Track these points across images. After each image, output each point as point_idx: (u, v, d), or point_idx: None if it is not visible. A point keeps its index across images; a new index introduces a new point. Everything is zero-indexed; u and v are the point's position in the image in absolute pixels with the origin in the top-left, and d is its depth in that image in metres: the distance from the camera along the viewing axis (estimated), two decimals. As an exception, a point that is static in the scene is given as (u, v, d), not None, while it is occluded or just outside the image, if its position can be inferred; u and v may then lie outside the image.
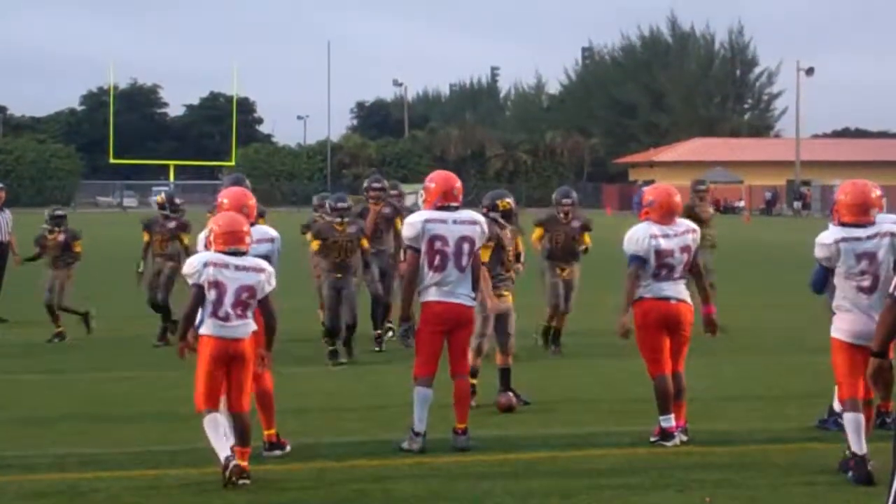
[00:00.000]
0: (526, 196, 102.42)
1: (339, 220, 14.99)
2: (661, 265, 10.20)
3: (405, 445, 9.93)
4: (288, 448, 9.77)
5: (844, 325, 9.09)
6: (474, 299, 10.22)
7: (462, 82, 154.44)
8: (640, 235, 10.24)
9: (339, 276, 14.92)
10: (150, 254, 17.07)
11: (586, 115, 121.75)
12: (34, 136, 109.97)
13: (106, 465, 9.23)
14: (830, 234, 9.18)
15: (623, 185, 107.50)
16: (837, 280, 9.16)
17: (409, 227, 10.12)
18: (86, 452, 9.83)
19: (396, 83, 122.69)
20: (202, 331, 8.89)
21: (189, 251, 15.47)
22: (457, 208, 10.17)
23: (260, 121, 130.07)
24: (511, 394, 11.77)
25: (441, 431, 10.09)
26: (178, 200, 17.63)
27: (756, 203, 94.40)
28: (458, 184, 10.29)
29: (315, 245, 15.16)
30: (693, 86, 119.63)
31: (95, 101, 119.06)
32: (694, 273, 10.45)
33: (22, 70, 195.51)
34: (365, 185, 16.74)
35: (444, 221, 10.06)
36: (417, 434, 9.93)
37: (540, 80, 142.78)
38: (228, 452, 8.74)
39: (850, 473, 8.87)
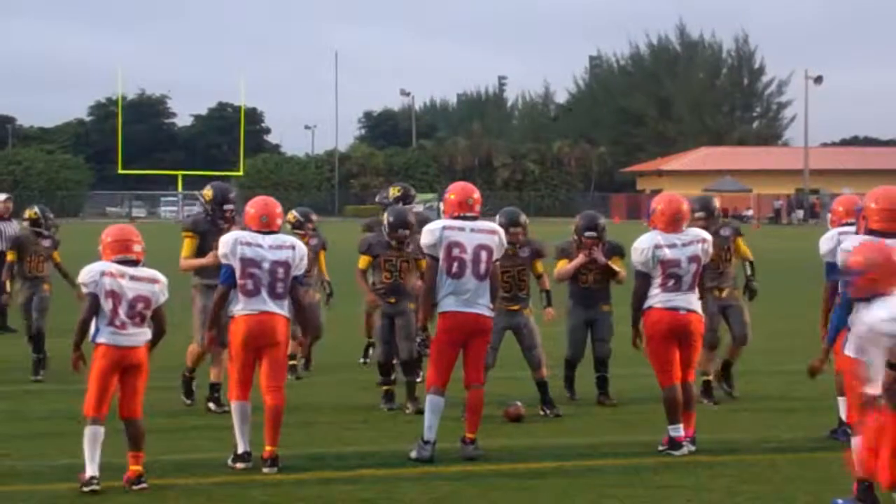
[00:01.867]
0: (534, 205, 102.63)
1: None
2: (667, 275, 10.23)
3: (414, 454, 9.95)
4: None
5: None
6: (492, 310, 10.23)
7: (469, 92, 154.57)
8: (644, 246, 10.27)
9: (393, 300, 12.38)
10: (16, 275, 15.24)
11: (594, 125, 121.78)
12: (43, 146, 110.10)
13: (115, 474, 9.25)
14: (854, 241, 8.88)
15: (631, 194, 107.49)
16: None
17: (428, 234, 10.15)
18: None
19: (404, 93, 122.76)
20: (99, 339, 9.04)
21: (62, 270, 15.33)
22: (474, 218, 10.22)
23: (268, 131, 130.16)
24: (520, 404, 11.78)
25: (448, 441, 10.12)
26: (50, 215, 15.71)
27: (764, 212, 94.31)
28: (476, 194, 10.36)
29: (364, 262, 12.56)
30: (701, 95, 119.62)
31: (104, 111, 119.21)
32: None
33: (30, 81, 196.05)
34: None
35: (461, 229, 10.10)
36: (427, 442, 9.95)
37: (547, 90, 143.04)
38: (96, 472, 8.89)
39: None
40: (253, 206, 9.97)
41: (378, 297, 12.32)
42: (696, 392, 12.61)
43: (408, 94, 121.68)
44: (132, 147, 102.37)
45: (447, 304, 10.04)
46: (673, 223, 10.33)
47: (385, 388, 12.41)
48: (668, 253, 10.21)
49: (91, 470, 8.88)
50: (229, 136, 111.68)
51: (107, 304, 8.97)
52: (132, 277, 9.08)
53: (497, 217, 12.23)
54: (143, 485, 8.95)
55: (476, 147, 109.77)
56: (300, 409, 11.91)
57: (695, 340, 10.34)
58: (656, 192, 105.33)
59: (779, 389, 13.38)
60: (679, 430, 10.25)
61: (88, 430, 8.98)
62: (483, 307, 10.09)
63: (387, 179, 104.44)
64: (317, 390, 13.24)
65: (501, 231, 10.35)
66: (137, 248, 9.24)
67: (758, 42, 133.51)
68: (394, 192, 14.19)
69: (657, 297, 10.24)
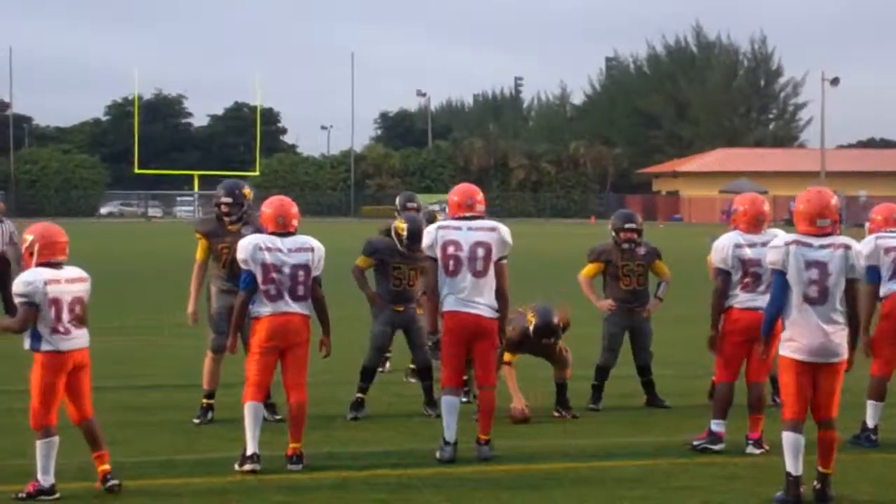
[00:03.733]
0: (550, 206, 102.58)
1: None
2: (747, 274, 10.29)
3: (437, 455, 10.00)
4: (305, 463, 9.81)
5: None
6: (496, 310, 10.18)
7: (485, 92, 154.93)
8: (724, 244, 10.36)
9: (401, 308, 12.23)
10: None
11: (610, 126, 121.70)
12: (59, 146, 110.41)
13: (130, 474, 9.27)
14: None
15: (646, 195, 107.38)
16: None
17: (426, 235, 10.22)
18: (112, 460, 9.87)
19: (420, 93, 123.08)
20: (43, 348, 8.83)
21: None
22: (475, 218, 10.22)
23: (284, 131, 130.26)
24: (522, 407, 11.72)
25: (462, 442, 10.13)
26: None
27: (781, 213, 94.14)
28: (479, 196, 10.36)
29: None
30: (718, 96, 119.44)
31: (120, 111, 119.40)
32: None
33: (47, 81, 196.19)
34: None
35: (458, 228, 10.13)
36: (447, 443, 9.99)
37: (564, 91, 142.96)
38: (52, 481, 8.80)
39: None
40: (269, 207, 9.98)
41: (382, 304, 12.14)
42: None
43: (424, 95, 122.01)
44: (148, 147, 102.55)
45: (448, 303, 10.08)
46: (755, 224, 10.44)
47: (359, 394, 12.09)
48: (748, 252, 10.31)
49: (46, 477, 8.76)
50: (245, 136, 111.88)
51: (50, 313, 8.74)
52: (67, 280, 8.87)
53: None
54: (115, 481, 8.88)
55: (492, 148, 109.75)
56: (316, 409, 11.91)
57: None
58: (672, 193, 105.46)
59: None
60: (721, 426, 10.37)
61: (44, 442, 8.80)
62: (483, 307, 10.05)
63: (402, 180, 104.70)
64: (332, 390, 13.24)
65: (503, 228, 10.25)
66: (65, 247, 8.98)
67: (774, 43, 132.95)
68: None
69: (738, 297, 10.34)
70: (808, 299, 8.66)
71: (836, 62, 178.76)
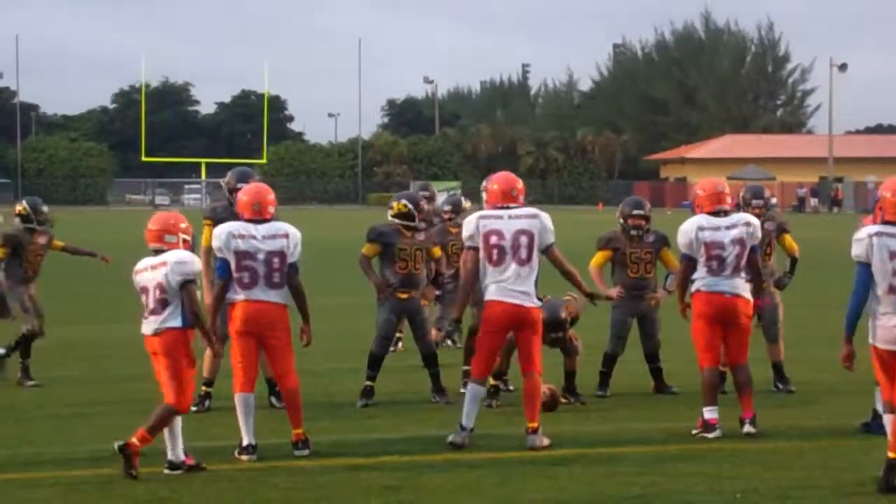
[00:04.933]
0: (558, 193, 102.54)
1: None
2: (711, 258, 10.36)
3: (450, 438, 10.00)
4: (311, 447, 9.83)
5: None
6: (541, 299, 10.18)
7: (493, 79, 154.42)
8: (687, 228, 10.44)
9: (405, 295, 12.16)
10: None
11: (618, 112, 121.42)
12: (66, 134, 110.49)
13: (141, 460, 9.29)
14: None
15: (654, 182, 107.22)
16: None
17: (466, 225, 10.19)
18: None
19: (427, 80, 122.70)
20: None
21: (71, 249, 14.66)
22: (515, 207, 10.18)
23: (291, 118, 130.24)
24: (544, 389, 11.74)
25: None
26: (44, 208, 14.01)
27: (788, 200, 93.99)
28: (520, 184, 10.33)
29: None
30: (726, 82, 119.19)
31: (127, 99, 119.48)
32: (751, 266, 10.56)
33: (54, 69, 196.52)
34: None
35: (499, 217, 10.07)
36: (463, 428, 10.00)
37: (571, 77, 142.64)
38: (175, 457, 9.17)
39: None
40: (245, 194, 9.95)
41: (388, 292, 12.05)
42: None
43: (431, 82, 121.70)
44: (155, 135, 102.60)
45: (489, 293, 10.03)
46: (714, 202, 10.48)
47: (368, 382, 12.06)
48: (710, 235, 10.35)
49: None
50: (253, 124, 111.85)
51: (140, 298, 9.30)
52: (152, 267, 9.35)
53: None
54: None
55: (499, 135, 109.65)
56: (324, 398, 11.95)
57: (741, 322, 10.44)
58: (680, 180, 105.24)
59: (803, 377, 13.34)
60: (714, 413, 10.38)
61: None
62: (525, 297, 9.98)
63: (410, 167, 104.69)
64: (340, 377, 13.27)
65: (543, 214, 10.22)
66: (154, 235, 9.37)
67: (782, 29, 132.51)
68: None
69: (702, 281, 10.40)
70: (893, 290, 8.56)
71: (843, 48, 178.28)
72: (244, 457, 9.57)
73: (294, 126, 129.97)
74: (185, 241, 9.34)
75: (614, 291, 12.50)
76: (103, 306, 21.18)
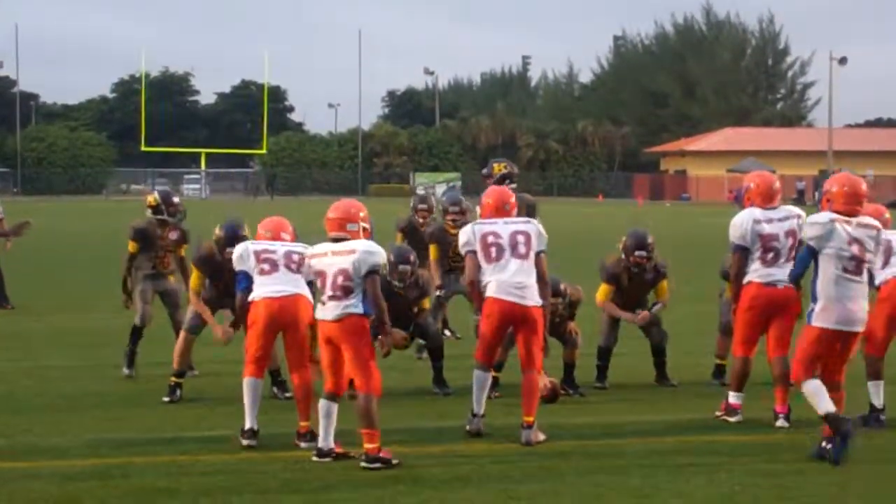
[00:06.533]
0: (557, 185, 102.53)
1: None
2: (766, 249, 10.47)
3: (466, 427, 10.14)
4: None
5: None
6: (542, 297, 10.19)
7: (493, 71, 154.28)
8: (741, 220, 10.54)
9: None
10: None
11: (618, 105, 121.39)
12: (66, 123, 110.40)
13: (138, 451, 9.31)
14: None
15: (654, 174, 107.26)
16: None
17: (462, 234, 10.38)
18: (118, 437, 9.93)
19: (427, 72, 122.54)
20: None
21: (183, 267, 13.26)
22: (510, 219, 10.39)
23: (291, 109, 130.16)
24: (545, 382, 11.74)
25: (464, 418, 10.19)
26: (176, 199, 13.48)
27: (788, 193, 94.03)
28: (512, 199, 10.56)
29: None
30: (726, 75, 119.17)
31: (127, 88, 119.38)
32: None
33: (54, 58, 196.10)
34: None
35: (494, 223, 10.27)
36: (475, 415, 10.14)
37: (571, 69, 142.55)
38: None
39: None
40: (263, 227, 10.38)
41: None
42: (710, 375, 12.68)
43: (431, 73, 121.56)
44: (155, 125, 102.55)
45: (489, 290, 10.09)
46: (768, 198, 10.59)
47: None
48: (766, 228, 10.47)
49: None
50: (253, 114, 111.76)
51: (315, 283, 9.49)
52: (334, 253, 9.39)
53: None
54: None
55: (500, 126, 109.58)
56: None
57: (789, 314, 10.55)
58: (680, 172, 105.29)
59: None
60: (739, 399, 10.66)
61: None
62: (523, 296, 10.02)
63: (410, 158, 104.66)
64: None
65: (536, 221, 10.42)
66: (334, 224, 9.48)
67: (782, 22, 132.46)
68: (497, 168, 13.70)
69: (756, 273, 10.48)
70: (847, 271, 9.34)
71: (843, 42, 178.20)
72: (245, 440, 9.65)
73: (294, 116, 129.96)
74: (364, 229, 9.48)
75: (639, 318, 12.57)
76: (90, 294, 21.05)
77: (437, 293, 13.68)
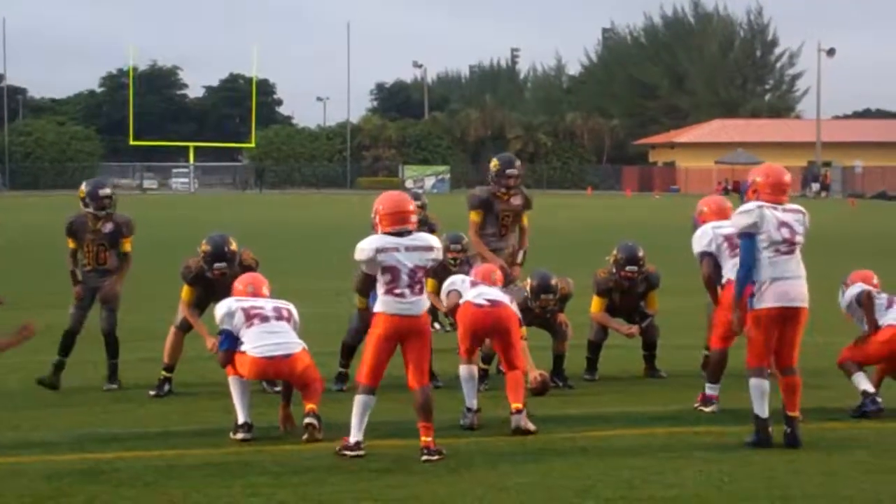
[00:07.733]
0: (546, 177, 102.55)
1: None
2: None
3: (461, 422, 10.21)
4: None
5: None
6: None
7: (482, 64, 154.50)
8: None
9: None
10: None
11: (607, 97, 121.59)
12: (54, 117, 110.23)
13: (126, 445, 9.28)
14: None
15: (643, 166, 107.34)
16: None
17: (449, 285, 10.96)
18: (107, 432, 9.90)
19: (416, 64, 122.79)
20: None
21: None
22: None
23: (279, 102, 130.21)
24: (535, 375, 11.73)
25: (456, 412, 10.22)
26: (104, 192, 12.33)
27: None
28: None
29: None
30: (714, 67, 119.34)
31: (115, 82, 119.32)
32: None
33: (42, 52, 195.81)
34: None
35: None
36: (469, 410, 10.25)
37: (560, 62, 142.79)
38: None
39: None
40: (242, 283, 10.59)
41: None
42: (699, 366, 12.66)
43: (420, 66, 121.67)
44: (144, 118, 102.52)
45: (466, 296, 10.70)
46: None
47: (341, 369, 12.28)
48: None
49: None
50: (241, 108, 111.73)
51: (385, 277, 9.09)
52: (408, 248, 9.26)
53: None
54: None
55: (488, 119, 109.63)
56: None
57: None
58: (669, 164, 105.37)
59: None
60: (715, 390, 10.85)
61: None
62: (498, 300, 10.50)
63: (399, 151, 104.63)
64: (332, 361, 13.23)
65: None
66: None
67: (770, 13, 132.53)
68: (494, 165, 13.26)
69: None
70: (780, 253, 9.54)
71: (831, 33, 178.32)
72: (240, 435, 9.65)
73: (283, 110, 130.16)
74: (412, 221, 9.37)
75: (635, 329, 12.53)
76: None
77: None
